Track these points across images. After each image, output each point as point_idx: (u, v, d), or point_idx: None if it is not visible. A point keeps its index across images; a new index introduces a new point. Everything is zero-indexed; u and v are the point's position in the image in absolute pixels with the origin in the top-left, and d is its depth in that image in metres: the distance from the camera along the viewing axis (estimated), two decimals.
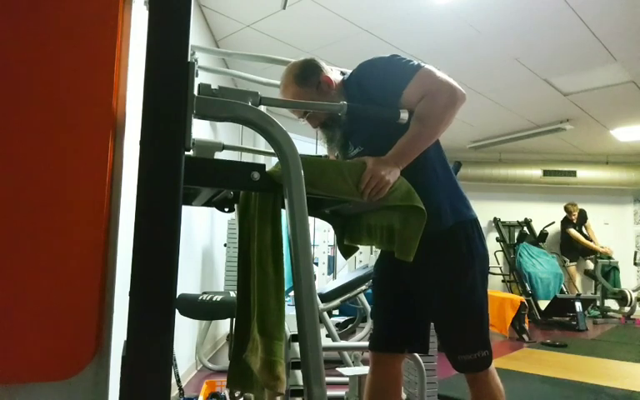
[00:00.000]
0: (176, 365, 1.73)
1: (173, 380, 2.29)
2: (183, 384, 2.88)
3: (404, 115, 1.15)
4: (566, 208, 7.08)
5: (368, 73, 1.36)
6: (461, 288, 1.36)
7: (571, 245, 7.05)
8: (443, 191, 1.37)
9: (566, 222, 7.12)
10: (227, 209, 1.12)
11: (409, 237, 1.11)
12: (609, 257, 6.84)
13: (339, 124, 1.40)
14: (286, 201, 0.85)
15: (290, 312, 1.10)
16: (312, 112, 1.40)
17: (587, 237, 6.97)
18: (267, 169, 0.90)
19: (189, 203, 1.13)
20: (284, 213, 0.88)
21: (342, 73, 1.48)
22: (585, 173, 7.15)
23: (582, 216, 7.05)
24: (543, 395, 2.90)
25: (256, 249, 0.96)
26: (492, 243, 7.03)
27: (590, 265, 7.05)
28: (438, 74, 1.28)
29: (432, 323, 1.53)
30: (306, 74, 1.38)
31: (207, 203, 1.15)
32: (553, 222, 6.90)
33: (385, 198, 1.07)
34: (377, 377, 1.53)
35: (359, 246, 1.39)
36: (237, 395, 2.17)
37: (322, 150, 1.73)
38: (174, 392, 2.44)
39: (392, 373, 1.52)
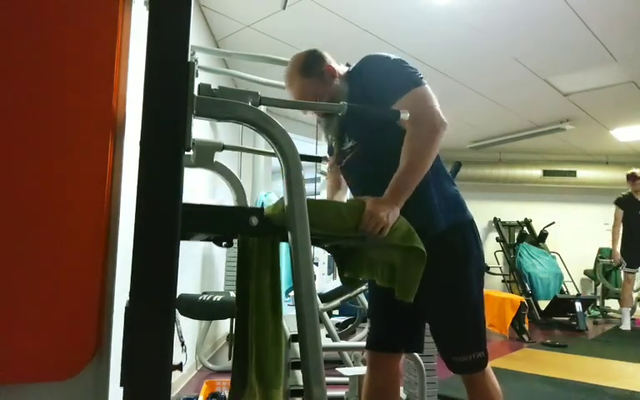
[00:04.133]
0: (178, 321, 1.73)
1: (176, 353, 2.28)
2: (183, 385, 2.89)
3: (404, 115, 1.14)
4: (632, 176, 5.29)
5: (372, 69, 1.39)
6: (456, 289, 1.37)
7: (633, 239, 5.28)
8: (437, 196, 1.38)
9: (625, 201, 5.37)
10: (224, 244, 1.10)
11: (410, 277, 1.11)
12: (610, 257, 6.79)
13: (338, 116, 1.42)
14: (286, 201, 0.85)
15: (290, 312, 1.09)
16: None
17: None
18: (265, 212, 0.88)
19: (187, 239, 1.11)
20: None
21: (348, 65, 1.50)
22: (585, 173, 7.15)
23: None
24: (543, 395, 2.90)
25: (254, 292, 0.93)
26: (492, 243, 7.02)
27: None
28: (428, 99, 1.29)
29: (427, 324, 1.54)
30: (309, 65, 1.43)
31: (206, 239, 1.14)
32: (553, 222, 6.88)
33: (385, 238, 1.08)
34: (375, 376, 1.53)
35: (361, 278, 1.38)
36: None
37: (322, 150, 1.73)
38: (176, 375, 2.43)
39: (390, 373, 1.52)
